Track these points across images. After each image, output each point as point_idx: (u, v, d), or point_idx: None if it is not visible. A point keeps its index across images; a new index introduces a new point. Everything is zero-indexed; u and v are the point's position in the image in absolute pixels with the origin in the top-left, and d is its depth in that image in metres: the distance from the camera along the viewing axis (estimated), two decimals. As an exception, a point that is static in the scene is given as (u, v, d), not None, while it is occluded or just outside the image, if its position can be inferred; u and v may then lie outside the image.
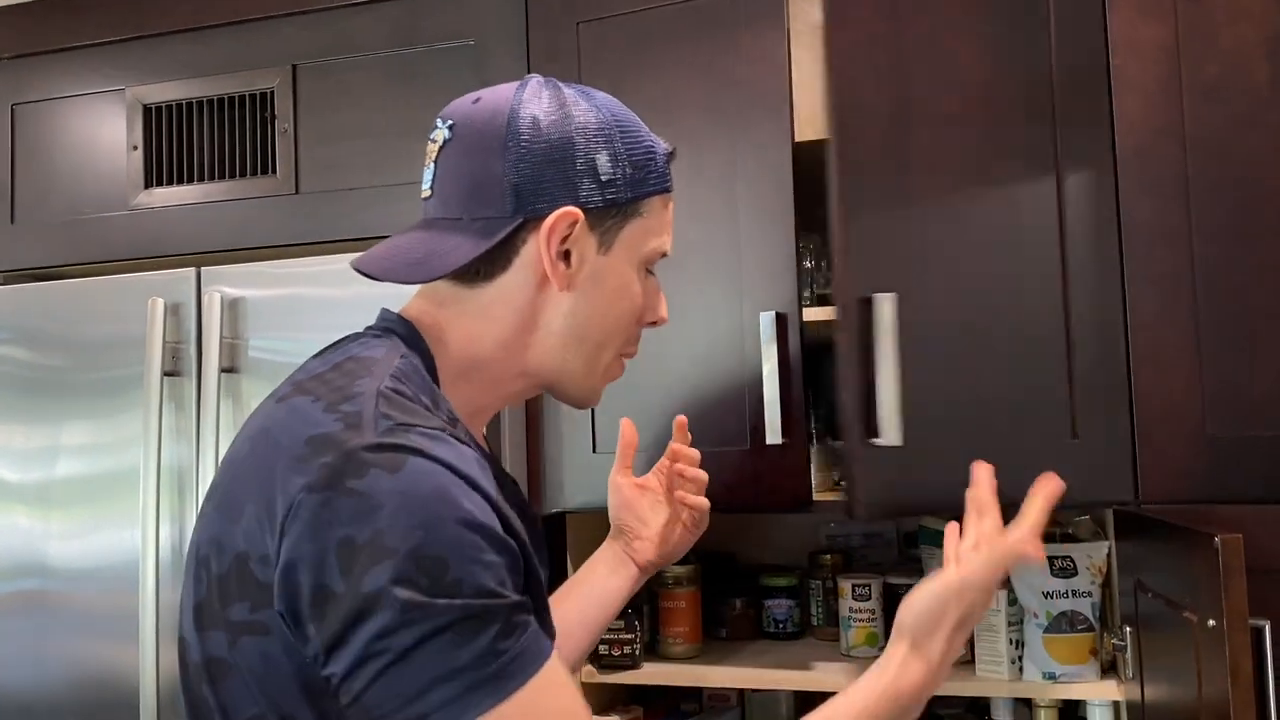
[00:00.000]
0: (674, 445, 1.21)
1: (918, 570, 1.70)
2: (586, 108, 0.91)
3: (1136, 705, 1.37)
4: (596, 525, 1.75)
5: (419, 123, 1.76)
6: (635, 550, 1.20)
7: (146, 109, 1.91)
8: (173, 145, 1.90)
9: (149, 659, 1.70)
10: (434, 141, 0.93)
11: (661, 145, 0.95)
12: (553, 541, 1.64)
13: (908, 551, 1.88)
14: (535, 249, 0.89)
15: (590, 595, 1.20)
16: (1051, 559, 1.49)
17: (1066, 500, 1.39)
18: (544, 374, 0.95)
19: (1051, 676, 1.47)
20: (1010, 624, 1.51)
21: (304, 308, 1.71)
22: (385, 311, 0.94)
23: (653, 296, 0.99)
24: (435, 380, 0.89)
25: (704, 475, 1.20)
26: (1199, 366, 1.36)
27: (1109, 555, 1.51)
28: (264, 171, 1.84)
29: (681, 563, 1.83)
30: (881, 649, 1.64)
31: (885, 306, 1.36)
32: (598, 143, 0.90)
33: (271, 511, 0.76)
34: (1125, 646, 1.36)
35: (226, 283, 1.74)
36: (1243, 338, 1.36)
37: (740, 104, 1.58)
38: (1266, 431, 1.33)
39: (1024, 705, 1.60)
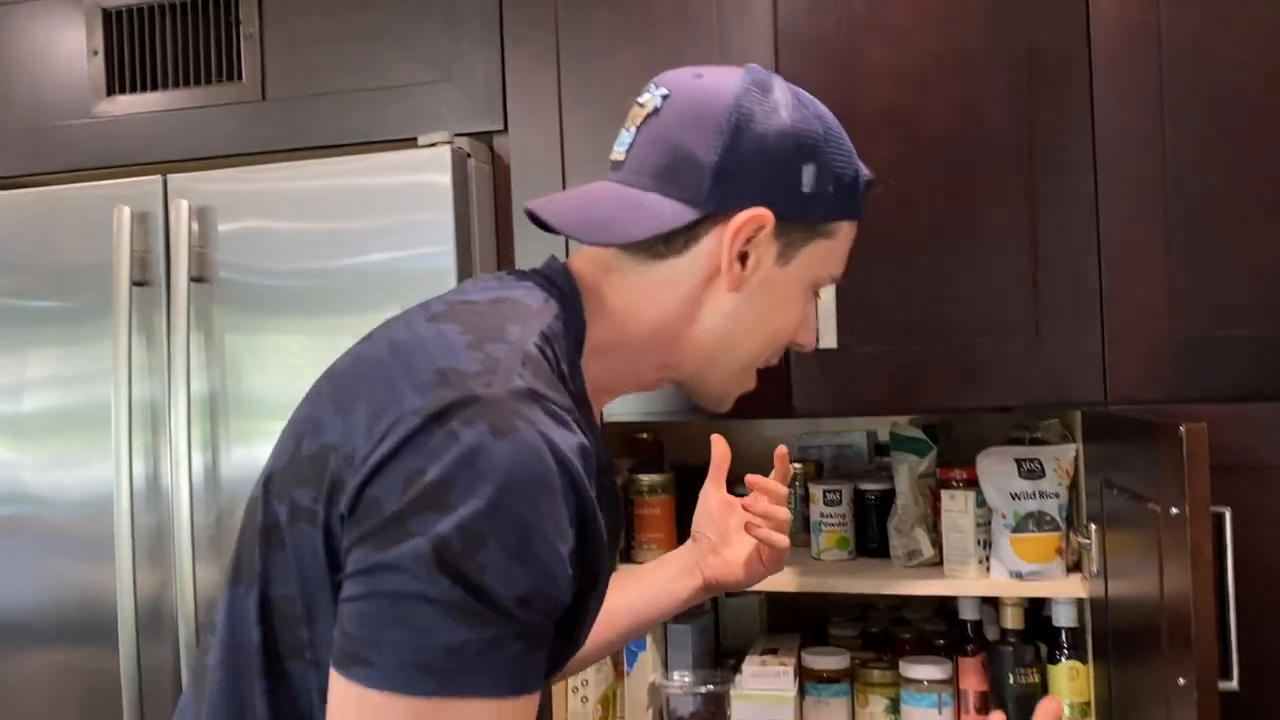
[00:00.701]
0: (757, 478, 1.18)
1: (888, 477, 1.73)
2: (807, 116, 0.88)
3: (1100, 601, 1.40)
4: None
5: (387, 26, 1.76)
6: (707, 564, 1.19)
7: (106, 12, 1.85)
8: (135, 51, 1.85)
9: (125, 581, 1.70)
10: (641, 106, 0.89)
11: (865, 172, 0.93)
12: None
13: (879, 460, 1.90)
14: (715, 241, 0.87)
15: (648, 590, 1.20)
16: (1020, 461, 1.52)
17: (1035, 401, 1.44)
18: (684, 369, 0.93)
19: (1018, 575, 1.51)
20: (978, 525, 1.54)
21: (273, 216, 1.69)
22: (553, 261, 0.91)
23: (810, 318, 0.97)
24: (580, 349, 0.86)
25: (784, 514, 1.17)
26: (1168, 269, 1.38)
27: (1076, 457, 1.53)
28: (229, 78, 1.80)
29: (657, 471, 1.86)
30: (851, 553, 1.71)
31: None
32: (808, 155, 0.87)
33: (379, 419, 0.73)
34: (1091, 544, 1.39)
35: (194, 191, 1.71)
36: (1213, 240, 1.37)
37: (721, 11, 1.55)
38: (1233, 332, 1.36)
39: (990, 605, 1.64)
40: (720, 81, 0.88)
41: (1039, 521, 1.50)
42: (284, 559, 0.78)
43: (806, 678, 1.68)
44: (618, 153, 0.91)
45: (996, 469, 1.52)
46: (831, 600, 2.03)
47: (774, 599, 1.98)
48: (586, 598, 0.79)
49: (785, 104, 0.88)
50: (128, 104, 1.85)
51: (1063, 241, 1.41)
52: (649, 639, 1.72)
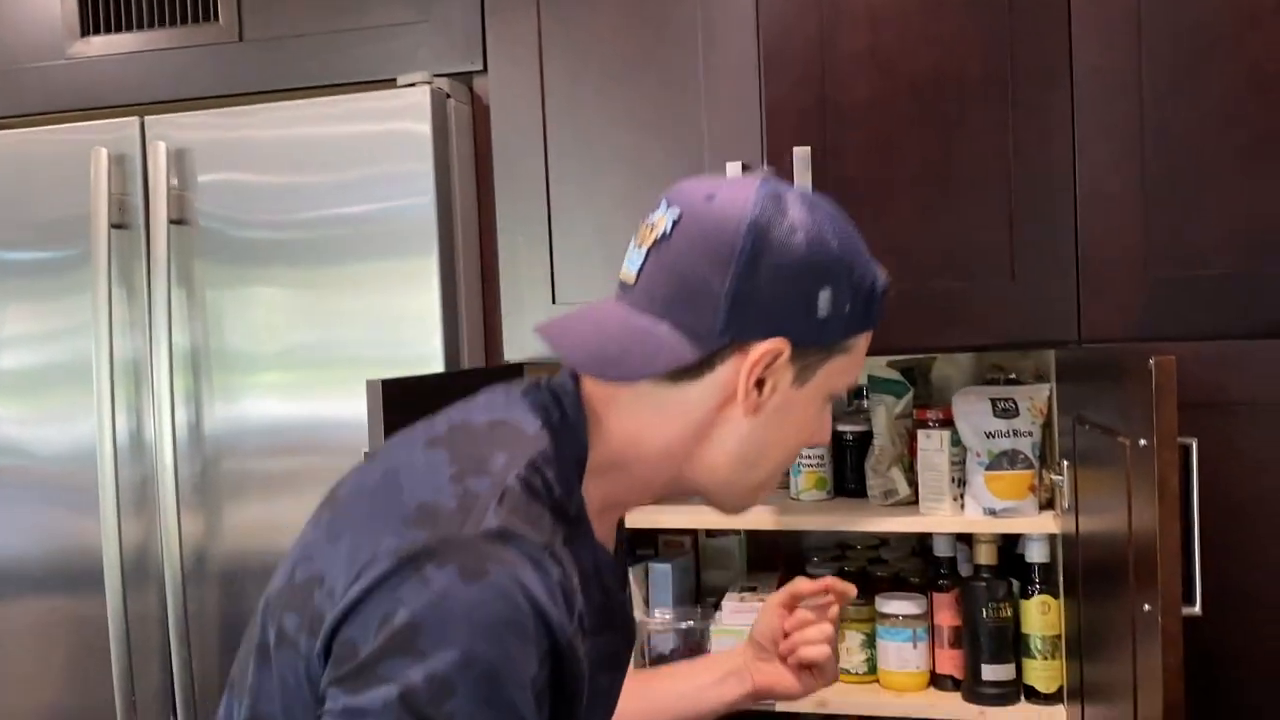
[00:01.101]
0: (806, 588, 1.16)
1: (865, 420, 1.75)
2: (822, 234, 0.84)
3: (1072, 537, 1.43)
4: (552, 369, 1.78)
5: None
6: (760, 671, 1.17)
7: (79, -49, 1.83)
8: (109, -11, 1.83)
9: (110, 530, 1.71)
10: (651, 227, 0.87)
11: (884, 281, 0.90)
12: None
13: (856, 403, 1.92)
14: (732, 370, 0.85)
15: (692, 690, 1.18)
16: (994, 401, 1.54)
17: (1009, 340, 1.46)
18: (700, 484, 0.92)
19: (992, 512, 1.53)
20: (953, 463, 1.56)
21: (251, 157, 1.68)
22: (565, 378, 0.90)
23: (825, 420, 0.95)
24: (581, 471, 0.86)
25: (828, 630, 1.14)
26: (1143, 209, 1.39)
27: (1050, 397, 1.56)
28: (206, 18, 1.79)
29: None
30: (829, 494, 1.74)
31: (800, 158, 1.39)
32: (824, 279, 0.84)
33: (358, 553, 0.76)
34: (1063, 480, 1.42)
35: (171, 133, 1.70)
36: (1187, 181, 1.39)
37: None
38: (1206, 272, 1.38)
39: (965, 542, 1.67)
40: (733, 203, 0.84)
41: (1012, 459, 1.53)
42: (271, 679, 0.80)
43: (784, 615, 1.71)
44: (628, 273, 0.88)
45: (972, 408, 1.54)
46: (810, 541, 2.06)
47: (754, 540, 2.01)
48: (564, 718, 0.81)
49: (800, 224, 0.84)
50: (103, 45, 1.83)
51: (1038, 182, 1.42)
52: (630, 576, 1.75)
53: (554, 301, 1.62)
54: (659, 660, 1.69)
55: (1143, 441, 1.08)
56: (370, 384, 1.28)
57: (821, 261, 0.84)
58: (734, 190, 0.85)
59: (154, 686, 1.75)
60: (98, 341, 1.70)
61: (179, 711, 1.71)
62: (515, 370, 1.67)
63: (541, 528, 0.79)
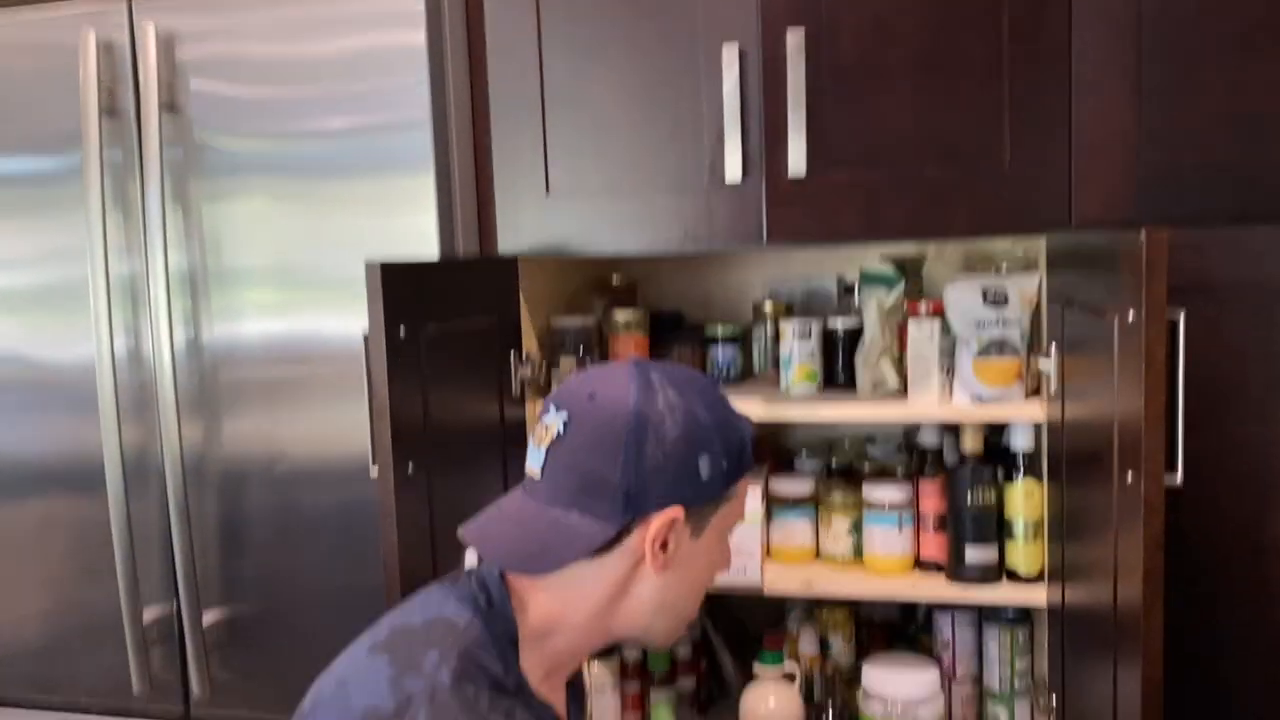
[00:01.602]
0: None
1: (856, 316, 1.77)
2: (691, 409, 0.99)
3: (1057, 423, 1.46)
4: (547, 267, 1.79)
5: None
6: None
7: None
8: None
9: (111, 434, 1.72)
10: (545, 428, 1.00)
11: (749, 431, 1.06)
12: (506, 286, 1.67)
13: (847, 301, 1.94)
14: (638, 539, 0.99)
15: None
16: (985, 290, 1.56)
17: (1002, 226, 1.47)
18: (628, 635, 1.06)
19: (979, 399, 1.56)
20: (942, 353, 1.59)
21: (243, 40, 1.65)
22: (491, 568, 1.04)
23: (726, 552, 1.10)
24: (514, 647, 0.99)
25: None
26: (1137, 95, 1.40)
27: (1039, 286, 1.58)
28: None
29: (630, 306, 1.89)
30: (819, 386, 1.76)
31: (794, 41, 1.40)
32: (701, 447, 0.99)
33: None
34: (1050, 366, 1.44)
35: (161, 15, 1.67)
36: (1182, 68, 1.39)
37: None
38: (1197, 157, 1.39)
39: (951, 434, 1.70)
40: (614, 400, 0.98)
41: (1001, 348, 1.55)
42: None
43: (773, 502, 1.75)
44: (532, 469, 1.02)
45: (962, 297, 1.56)
46: (798, 437, 2.10)
47: (743, 435, 2.05)
48: None
49: (672, 406, 0.98)
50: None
51: (1033, 69, 1.42)
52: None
53: (547, 193, 1.62)
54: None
55: (1131, 316, 1.10)
56: (369, 265, 1.28)
57: (695, 434, 0.98)
58: (611, 388, 0.99)
59: (158, 586, 1.78)
60: (92, 257, 1.69)
61: (183, 608, 1.74)
62: (509, 265, 1.67)
63: (477, 711, 0.90)
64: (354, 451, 1.64)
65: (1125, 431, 1.13)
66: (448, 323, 1.44)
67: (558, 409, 1.00)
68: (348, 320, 1.62)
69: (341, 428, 1.66)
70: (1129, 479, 1.11)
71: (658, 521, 0.98)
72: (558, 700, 1.07)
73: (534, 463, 1.01)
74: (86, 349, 1.74)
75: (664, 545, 0.99)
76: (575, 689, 1.20)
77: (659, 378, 1.00)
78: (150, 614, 1.77)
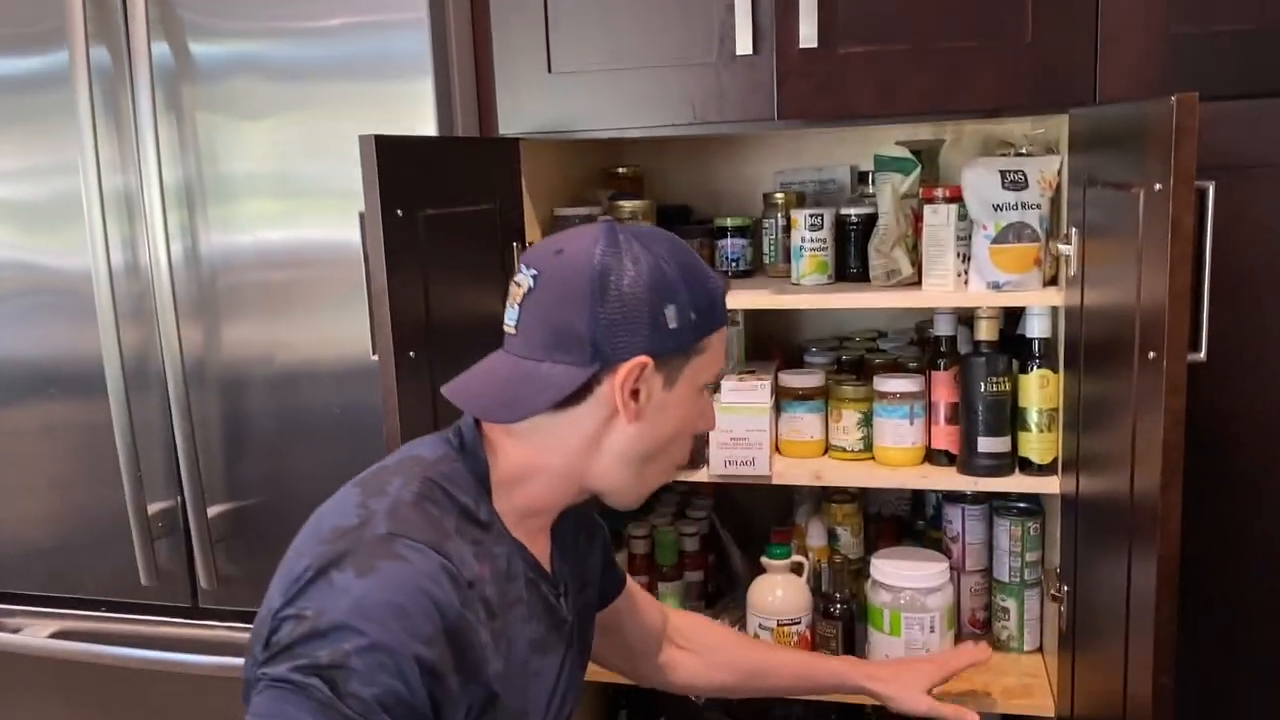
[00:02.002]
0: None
1: (870, 206, 1.72)
2: (656, 262, 0.99)
3: (1075, 309, 1.42)
4: (550, 151, 1.74)
5: None
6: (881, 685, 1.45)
7: None
8: None
9: (110, 339, 1.70)
10: (518, 286, 1.02)
11: (719, 286, 1.06)
12: (507, 170, 1.62)
13: (859, 189, 1.88)
14: (609, 388, 1.00)
15: (808, 686, 1.50)
16: (1004, 173, 1.50)
17: (1023, 102, 1.41)
18: (600, 486, 1.07)
19: (995, 286, 1.52)
20: (958, 238, 1.54)
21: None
22: (468, 418, 1.07)
23: (706, 409, 1.10)
24: (486, 486, 1.03)
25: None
26: (1169, -39, 1.32)
27: (1060, 170, 1.52)
28: None
29: (636, 197, 1.84)
30: (830, 278, 1.72)
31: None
32: (667, 298, 0.99)
33: (288, 576, 0.93)
34: (1071, 248, 1.39)
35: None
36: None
37: None
38: (1226, 27, 1.32)
39: (965, 325, 1.66)
40: (578, 253, 1.00)
41: (1019, 233, 1.50)
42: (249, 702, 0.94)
43: (782, 396, 1.72)
44: (510, 327, 1.03)
45: (980, 180, 1.51)
46: (808, 332, 2.06)
47: (751, 332, 2.01)
48: (480, 693, 0.96)
49: (637, 257, 0.99)
50: None
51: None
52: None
53: (549, 70, 1.56)
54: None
55: (1158, 186, 1.05)
56: (363, 139, 1.24)
57: (661, 283, 0.99)
58: (578, 243, 1.01)
59: (162, 483, 1.77)
60: (85, 174, 1.66)
61: (187, 502, 1.73)
62: (511, 147, 1.62)
63: (434, 528, 0.96)
64: (356, 352, 1.62)
65: (1148, 309, 1.09)
66: (448, 207, 1.40)
67: (528, 267, 1.02)
68: (348, 228, 1.56)
69: (342, 332, 1.64)
70: (1150, 356, 1.07)
71: (625, 368, 0.99)
72: (539, 546, 1.09)
73: (509, 320, 1.03)
74: (83, 259, 1.71)
75: (635, 394, 1.00)
76: (588, 533, 1.24)
77: (627, 233, 1.02)
78: (155, 508, 1.77)
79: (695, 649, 1.44)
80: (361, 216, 1.27)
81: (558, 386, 0.99)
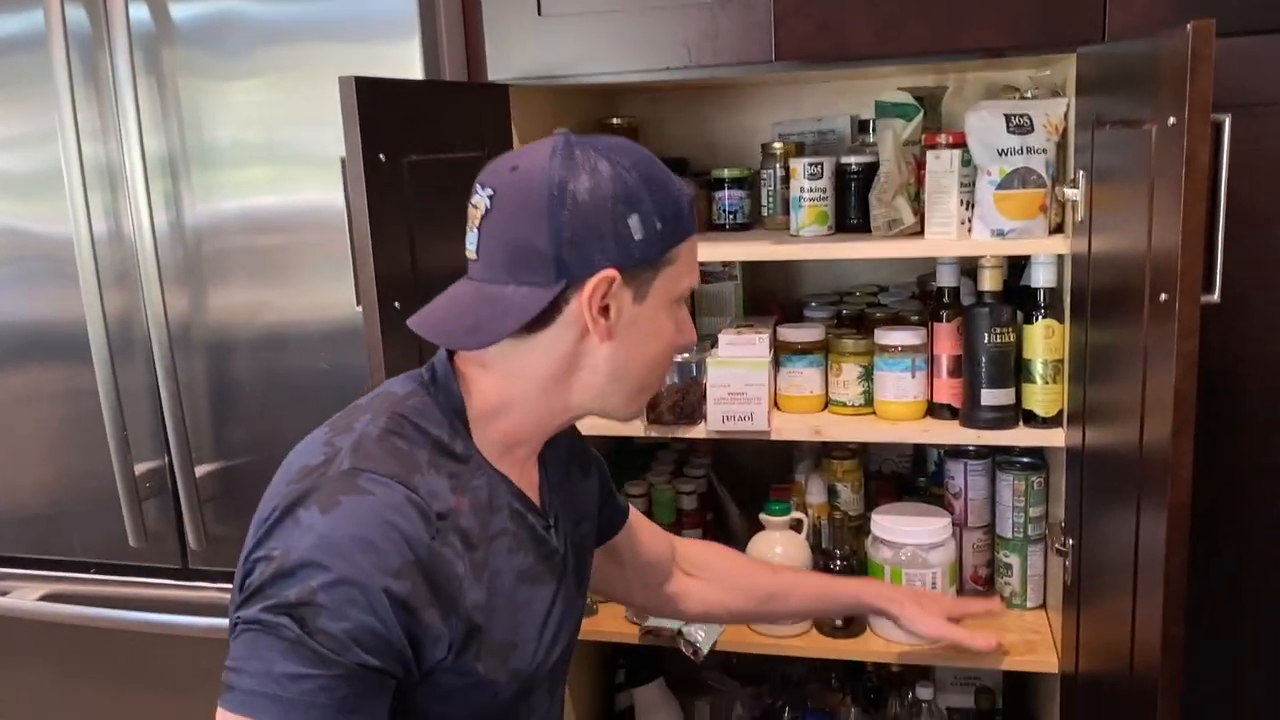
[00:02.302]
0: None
1: (872, 152, 1.67)
2: (614, 173, 0.94)
3: (1083, 256, 1.38)
4: (542, 99, 1.69)
5: None
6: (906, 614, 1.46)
7: None
8: None
9: (93, 304, 1.67)
10: (475, 208, 0.98)
11: (686, 193, 1.00)
12: (496, 117, 1.57)
13: (860, 138, 1.83)
14: (577, 307, 0.95)
15: (824, 606, 1.51)
16: (1009, 116, 1.45)
17: (1029, 41, 1.36)
18: (586, 409, 1.03)
19: (1000, 233, 1.48)
20: (962, 185, 1.50)
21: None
22: (440, 352, 1.04)
23: (683, 322, 1.05)
24: (462, 418, 0.99)
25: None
26: (1183, -110, 1.27)
27: (1066, 113, 1.47)
28: None
29: (630, 147, 1.79)
30: (830, 229, 1.68)
31: None
32: (629, 208, 0.94)
33: (258, 518, 0.92)
34: (1078, 194, 1.35)
35: None
36: None
37: None
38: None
39: (968, 275, 1.62)
40: (533, 168, 0.95)
41: (1024, 178, 1.46)
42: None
43: (781, 350, 1.68)
44: (470, 251, 0.99)
45: (984, 124, 1.46)
46: (808, 286, 2.03)
47: (750, 286, 1.97)
48: (460, 625, 0.93)
49: (594, 168, 0.94)
50: None
51: None
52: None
53: (539, 13, 1.51)
54: (653, 399, 1.67)
55: (1172, 120, 1.00)
56: (343, 80, 1.19)
57: (623, 193, 0.94)
58: (533, 158, 0.96)
59: (148, 444, 1.74)
60: (64, 144, 1.62)
61: (175, 463, 1.70)
62: (500, 93, 1.57)
63: (400, 461, 0.93)
64: (343, 314, 1.58)
65: (1160, 250, 1.05)
66: (434, 154, 1.35)
67: (483, 187, 0.97)
68: (335, 191, 1.52)
69: (330, 294, 1.60)
70: (1162, 298, 1.03)
71: (591, 284, 0.94)
72: (525, 478, 1.06)
73: (470, 244, 0.99)
74: (65, 226, 1.67)
75: (605, 311, 0.96)
76: (581, 464, 1.21)
77: (585, 144, 0.96)
78: (142, 468, 1.74)
79: (706, 576, 1.41)
80: (343, 162, 1.23)
81: (522, 309, 0.95)
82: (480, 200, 0.97)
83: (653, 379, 1.05)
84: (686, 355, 1.66)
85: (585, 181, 0.93)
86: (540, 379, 0.99)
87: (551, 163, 0.94)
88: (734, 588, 1.42)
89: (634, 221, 0.94)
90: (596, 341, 0.97)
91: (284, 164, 1.60)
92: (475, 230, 0.98)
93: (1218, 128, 1.09)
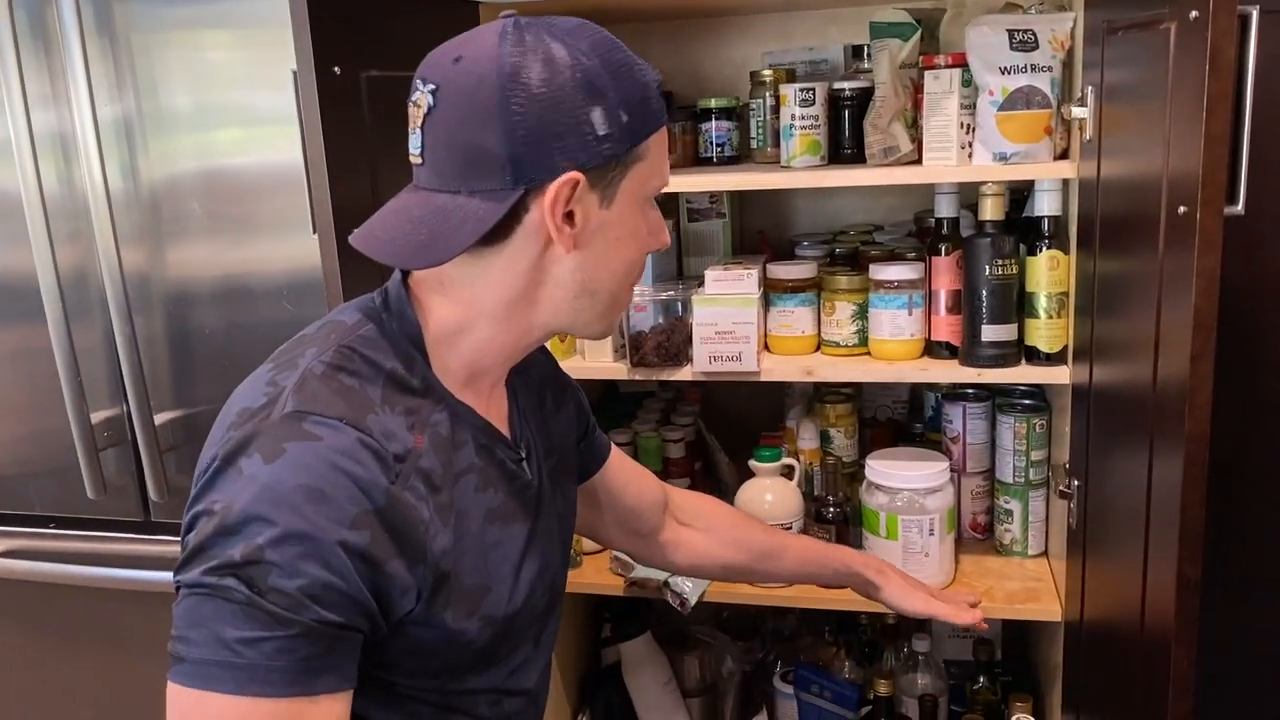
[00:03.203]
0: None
1: (868, 77, 1.58)
2: (571, 60, 0.83)
3: (1091, 182, 1.29)
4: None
5: None
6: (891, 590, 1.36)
7: None
8: None
9: (43, 250, 1.58)
10: (417, 106, 0.87)
11: (654, 78, 0.89)
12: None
13: (854, 65, 1.74)
14: (539, 215, 0.85)
15: (814, 570, 1.38)
16: (1012, 32, 1.36)
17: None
18: (556, 326, 0.94)
19: (1003, 158, 1.39)
20: (962, 107, 1.41)
21: None
22: (392, 280, 0.94)
23: (655, 224, 0.95)
24: (419, 346, 0.90)
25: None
26: None
27: (1074, 28, 1.38)
28: None
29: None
30: (823, 159, 1.59)
31: None
32: (591, 99, 0.84)
33: (199, 470, 0.84)
34: (1085, 112, 1.26)
35: None
36: None
37: None
38: None
39: (969, 209, 1.54)
40: (479, 58, 0.83)
41: (1028, 99, 1.37)
42: None
43: (771, 289, 1.60)
44: (414, 156, 0.89)
45: (986, 40, 1.37)
46: (800, 226, 1.94)
47: (739, 225, 1.88)
48: (428, 574, 0.85)
49: (550, 55, 0.83)
50: None
51: None
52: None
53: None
54: (637, 339, 1.59)
55: (1194, 13, 0.91)
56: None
57: (583, 83, 0.83)
58: (478, 46, 0.84)
59: (106, 395, 1.66)
60: (9, 97, 1.53)
61: (133, 411, 1.62)
62: (469, 7, 1.47)
63: (349, 400, 0.84)
64: (306, 265, 1.50)
65: (1179, 158, 0.96)
66: (396, 70, 1.26)
67: (424, 82, 0.86)
68: (297, 151, 1.40)
69: (294, 252, 1.51)
70: (1180, 210, 0.95)
71: (553, 189, 0.84)
72: (493, 408, 0.97)
73: (413, 148, 0.88)
74: (13, 185, 1.58)
75: (570, 218, 0.86)
76: (555, 391, 1.12)
77: (537, 26, 0.85)
78: (99, 417, 1.65)
79: (701, 527, 1.33)
80: (295, 75, 1.13)
81: (479, 220, 0.84)
82: (422, 97, 0.86)
83: (625, 290, 0.95)
84: (671, 293, 1.58)
85: (539, 71, 0.82)
86: (503, 298, 0.90)
87: (500, 50, 0.83)
88: (729, 540, 1.34)
89: (597, 115, 0.83)
90: (562, 252, 0.88)
91: (245, 124, 1.52)
92: (418, 131, 0.87)
93: (1244, 21, 1.00)
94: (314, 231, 1.20)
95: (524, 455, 1.00)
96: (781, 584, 1.55)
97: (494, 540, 0.94)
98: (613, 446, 1.25)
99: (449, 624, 0.89)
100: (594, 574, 1.67)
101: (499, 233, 0.86)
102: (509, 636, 0.96)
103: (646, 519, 1.29)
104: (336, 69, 1.14)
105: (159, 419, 1.62)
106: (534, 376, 1.07)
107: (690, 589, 1.55)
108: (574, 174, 0.84)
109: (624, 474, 1.26)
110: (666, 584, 1.56)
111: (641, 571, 1.59)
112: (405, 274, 0.93)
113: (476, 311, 0.91)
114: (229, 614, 0.76)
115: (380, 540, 0.81)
